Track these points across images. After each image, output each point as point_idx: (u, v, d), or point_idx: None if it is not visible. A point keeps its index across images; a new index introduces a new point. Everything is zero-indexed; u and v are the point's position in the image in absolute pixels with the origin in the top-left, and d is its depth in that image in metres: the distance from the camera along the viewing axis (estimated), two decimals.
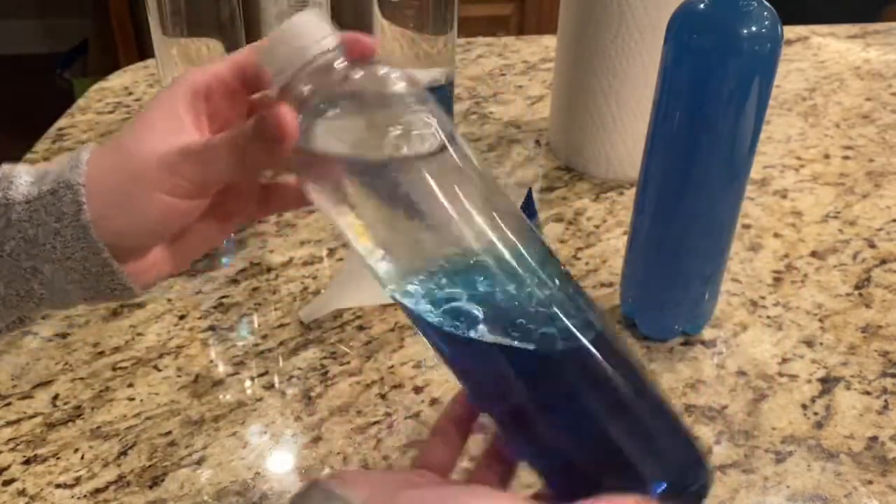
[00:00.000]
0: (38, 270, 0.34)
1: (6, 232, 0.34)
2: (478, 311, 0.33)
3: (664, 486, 0.35)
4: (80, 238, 0.34)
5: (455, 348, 0.35)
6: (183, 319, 0.63)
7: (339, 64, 0.35)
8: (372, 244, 0.34)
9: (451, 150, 0.34)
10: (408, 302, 0.34)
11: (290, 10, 0.82)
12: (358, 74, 0.35)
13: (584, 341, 0.33)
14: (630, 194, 0.81)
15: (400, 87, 0.35)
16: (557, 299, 0.34)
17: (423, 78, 0.74)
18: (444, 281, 0.33)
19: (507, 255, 0.33)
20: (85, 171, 0.34)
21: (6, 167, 0.36)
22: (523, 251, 0.34)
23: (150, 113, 0.36)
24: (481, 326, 0.33)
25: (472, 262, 0.33)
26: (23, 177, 0.35)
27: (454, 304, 0.33)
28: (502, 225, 0.34)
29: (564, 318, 0.33)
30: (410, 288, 0.34)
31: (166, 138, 0.35)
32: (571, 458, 0.35)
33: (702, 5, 0.52)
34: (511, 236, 0.34)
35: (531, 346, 0.33)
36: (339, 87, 0.35)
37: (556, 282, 0.34)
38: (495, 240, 0.34)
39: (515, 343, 0.33)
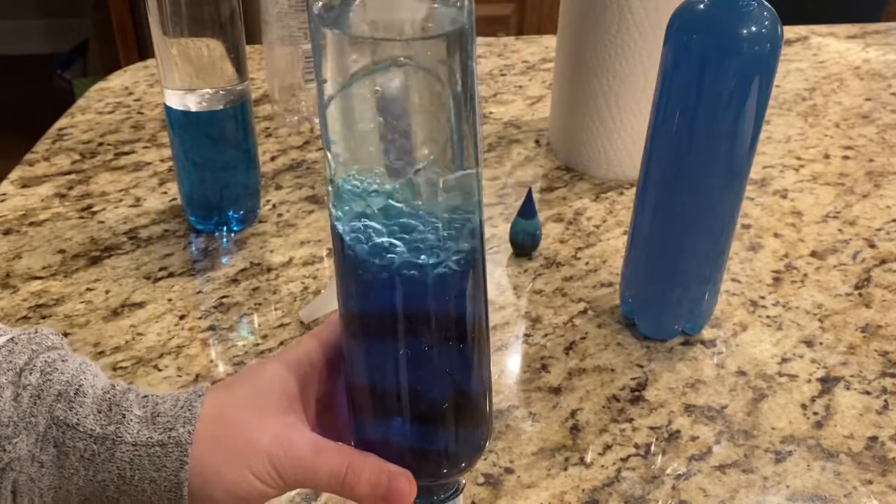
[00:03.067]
0: (118, 502, 0.35)
1: (105, 465, 0.34)
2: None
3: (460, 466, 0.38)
4: (171, 490, 0.34)
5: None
6: (183, 319, 0.63)
7: None
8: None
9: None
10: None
11: (290, 10, 0.82)
12: None
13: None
14: (630, 194, 0.81)
15: None
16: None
17: None
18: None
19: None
20: (196, 427, 0.35)
21: (118, 390, 0.36)
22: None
23: (265, 385, 0.37)
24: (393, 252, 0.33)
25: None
26: (134, 410, 0.35)
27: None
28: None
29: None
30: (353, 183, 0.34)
31: (278, 429, 0.36)
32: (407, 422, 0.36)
33: (702, 5, 0.52)
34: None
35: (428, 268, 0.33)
36: None
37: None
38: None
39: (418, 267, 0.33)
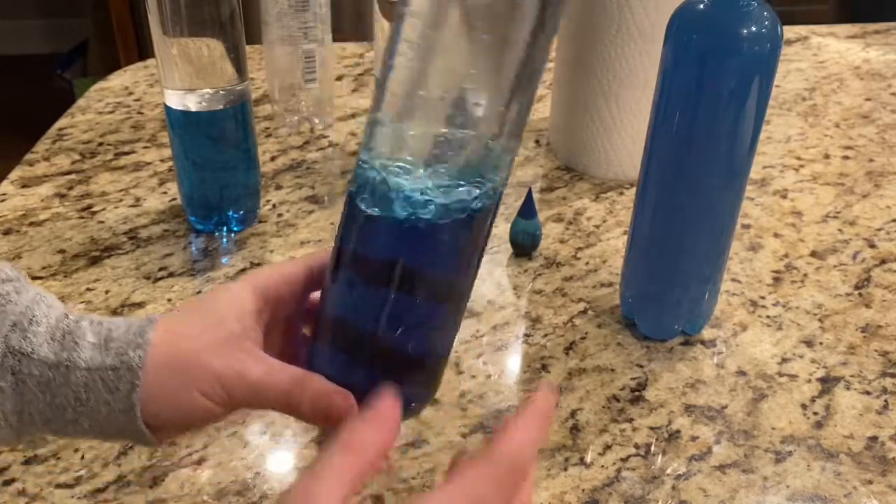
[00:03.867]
0: (78, 423, 0.37)
1: (62, 389, 0.36)
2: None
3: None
4: (127, 411, 0.36)
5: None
6: None
7: None
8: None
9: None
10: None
11: (290, 10, 0.82)
12: None
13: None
14: (630, 194, 0.81)
15: None
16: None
17: None
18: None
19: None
20: (148, 352, 0.36)
21: (72, 319, 0.37)
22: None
23: (219, 311, 0.38)
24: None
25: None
26: (87, 337, 0.37)
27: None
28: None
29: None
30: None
31: (229, 351, 0.37)
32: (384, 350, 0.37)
33: (702, 5, 0.52)
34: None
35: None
36: None
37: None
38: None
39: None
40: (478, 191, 0.35)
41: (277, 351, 0.40)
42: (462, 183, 0.34)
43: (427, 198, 0.34)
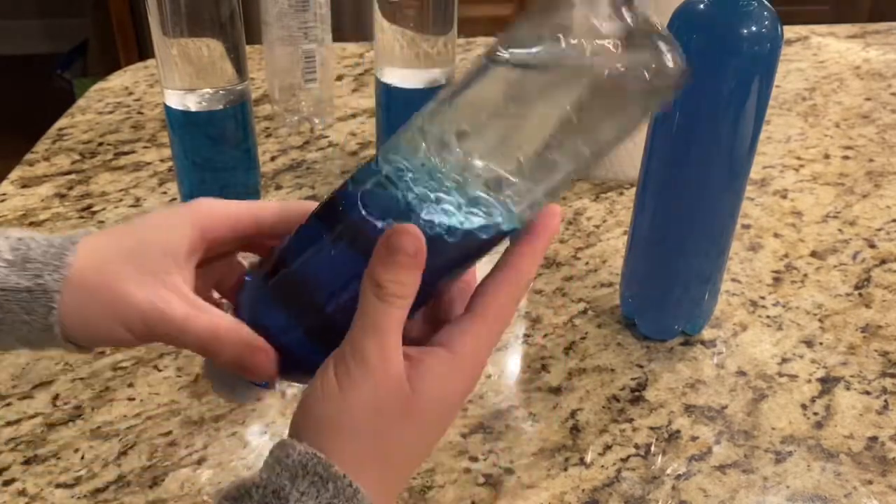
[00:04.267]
0: (4, 338, 0.37)
1: None
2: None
3: None
4: (44, 331, 0.36)
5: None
6: None
7: None
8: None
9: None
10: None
11: (290, 10, 0.82)
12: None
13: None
14: (630, 194, 0.81)
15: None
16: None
17: (422, 78, 0.74)
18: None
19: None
20: (65, 275, 0.36)
21: None
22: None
23: (149, 241, 0.37)
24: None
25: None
26: (4, 255, 0.36)
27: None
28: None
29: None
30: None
31: (154, 286, 0.36)
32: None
33: (702, 5, 0.52)
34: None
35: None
36: None
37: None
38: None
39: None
40: (500, 224, 0.35)
41: (209, 284, 0.39)
42: (489, 215, 0.34)
43: (449, 218, 0.34)
